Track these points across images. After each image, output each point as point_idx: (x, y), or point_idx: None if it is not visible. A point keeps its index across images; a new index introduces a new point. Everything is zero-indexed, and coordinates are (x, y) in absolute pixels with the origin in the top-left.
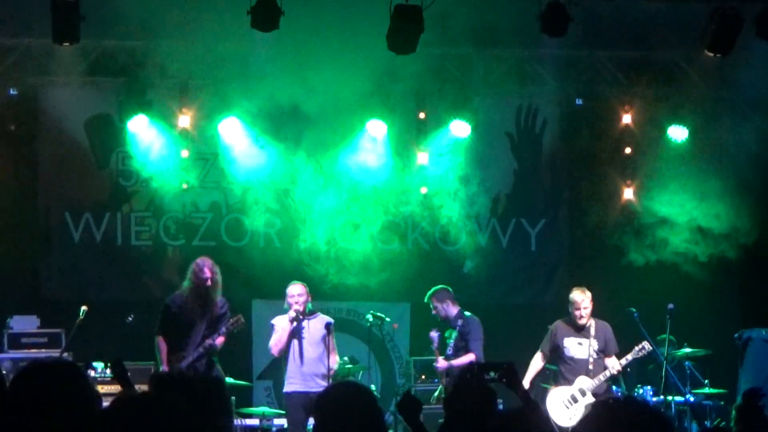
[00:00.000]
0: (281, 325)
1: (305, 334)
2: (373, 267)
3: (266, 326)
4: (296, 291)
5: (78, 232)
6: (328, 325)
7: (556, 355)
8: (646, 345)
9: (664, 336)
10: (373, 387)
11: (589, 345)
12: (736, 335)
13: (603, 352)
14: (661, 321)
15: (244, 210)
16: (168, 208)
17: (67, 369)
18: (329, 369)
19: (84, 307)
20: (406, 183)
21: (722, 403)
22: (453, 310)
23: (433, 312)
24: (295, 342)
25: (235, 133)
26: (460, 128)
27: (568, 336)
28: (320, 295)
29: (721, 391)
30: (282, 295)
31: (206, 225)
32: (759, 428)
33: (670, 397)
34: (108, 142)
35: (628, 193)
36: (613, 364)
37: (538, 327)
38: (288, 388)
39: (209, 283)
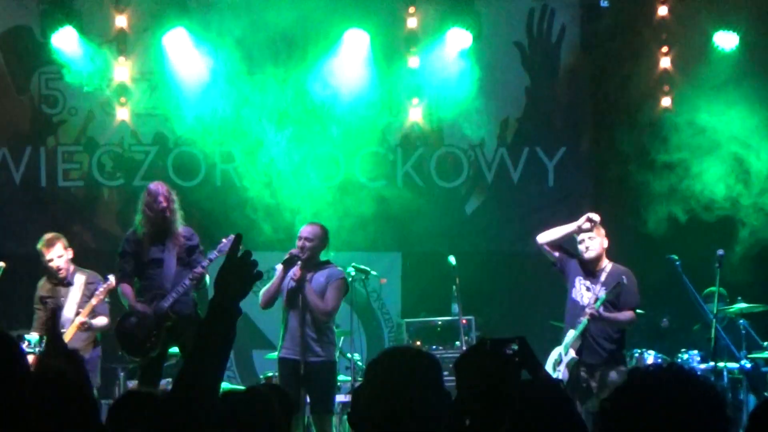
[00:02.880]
0: (279, 269)
1: (307, 287)
2: (355, 208)
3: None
4: (305, 232)
5: None
6: (330, 276)
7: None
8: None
9: (712, 289)
10: (356, 356)
11: (596, 290)
12: None
13: (613, 305)
14: (708, 270)
15: (196, 141)
16: (102, 141)
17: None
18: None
19: (1, 264)
20: (394, 107)
21: None
22: None
23: None
24: (294, 296)
25: (183, 48)
26: (458, 38)
27: (579, 275)
28: (291, 244)
29: None
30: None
31: (149, 160)
32: None
33: (721, 364)
34: (27, 61)
35: (664, 115)
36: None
37: (554, 280)
38: (282, 352)
39: (167, 213)
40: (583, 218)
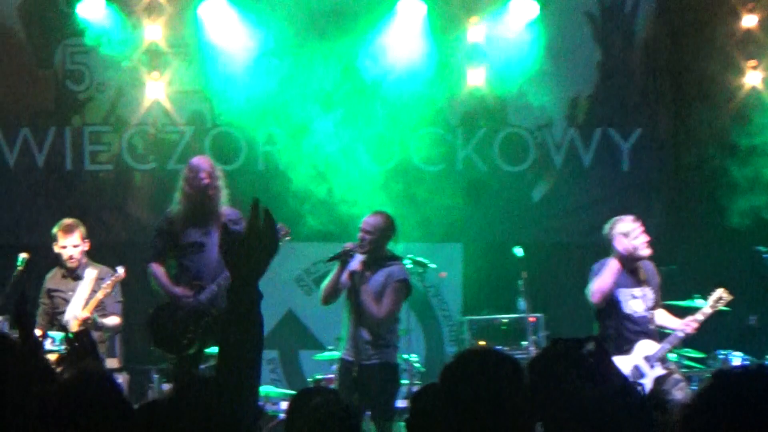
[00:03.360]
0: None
1: (367, 285)
2: (411, 195)
3: (267, 278)
4: (366, 223)
5: (13, 154)
6: (390, 276)
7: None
8: (724, 294)
9: None
10: (414, 357)
11: (644, 295)
12: None
13: (656, 304)
14: None
15: (236, 121)
16: (133, 121)
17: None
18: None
19: (23, 255)
20: (453, 83)
21: None
22: None
23: None
24: (352, 294)
25: (221, 19)
26: (524, 8)
27: (621, 285)
28: (341, 234)
29: None
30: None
31: (185, 142)
32: None
33: None
34: (50, 32)
35: (753, 93)
36: (681, 322)
37: None
38: (342, 352)
39: (210, 191)
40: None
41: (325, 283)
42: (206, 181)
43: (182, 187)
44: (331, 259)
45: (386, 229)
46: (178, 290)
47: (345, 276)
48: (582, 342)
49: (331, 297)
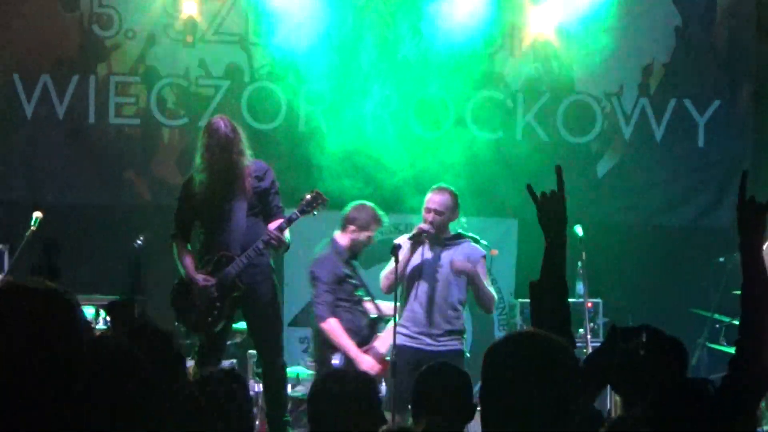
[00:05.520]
0: (406, 247)
1: (437, 267)
2: (464, 164)
3: (304, 248)
4: (434, 202)
5: (31, 103)
6: (472, 255)
7: None
8: None
9: None
10: None
11: None
12: None
13: None
14: None
15: (278, 76)
16: (165, 71)
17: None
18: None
19: (37, 213)
20: (516, 44)
21: None
22: None
23: None
24: (420, 278)
25: None
26: None
27: None
28: (384, 205)
29: None
30: (334, 203)
31: (220, 97)
32: None
33: None
34: None
35: None
36: None
37: (704, 260)
38: (398, 338)
39: (233, 156)
40: None
41: (388, 269)
42: (224, 129)
43: (202, 153)
44: (412, 240)
45: (455, 207)
46: (200, 278)
47: (417, 260)
48: (635, 331)
49: (395, 285)
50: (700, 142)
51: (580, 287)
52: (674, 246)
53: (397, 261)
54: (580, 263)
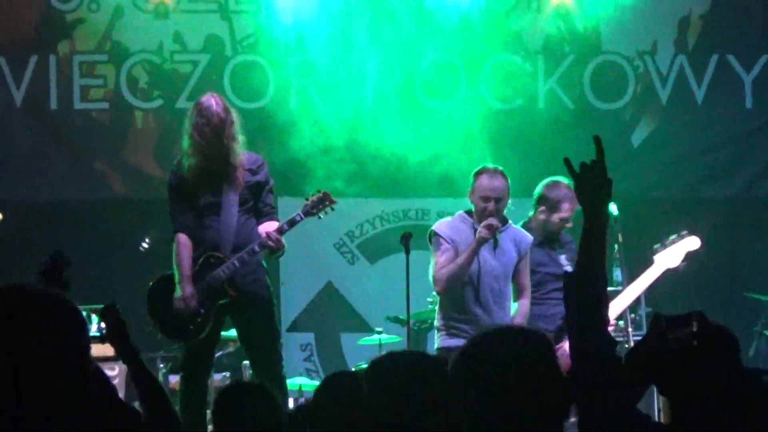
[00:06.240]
0: (458, 239)
1: (495, 262)
2: (479, 138)
3: (301, 242)
4: (495, 190)
5: None
6: (521, 242)
7: None
8: None
9: None
10: None
11: None
12: None
13: None
14: None
15: (264, 48)
16: (135, 47)
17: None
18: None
19: None
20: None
21: None
22: None
23: None
24: (479, 276)
25: None
26: None
27: None
28: (390, 189)
29: None
30: (331, 189)
31: (199, 74)
32: None
33: None
34: None
35: None
36: None
37: (756, 236)
38: (447, 341)
39: (225, 140)
40: None
41: (454, 265)
42: (216, 109)
43: (191, 135)
44: (486, 239)
45: (508, 189)
46: (189, 290)
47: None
48: (686, 319)
49: (460, 283)
50: (747, 103)
51: (617, 274)
52: (722, 222)
53: (407, 252)
54: (616, 246)
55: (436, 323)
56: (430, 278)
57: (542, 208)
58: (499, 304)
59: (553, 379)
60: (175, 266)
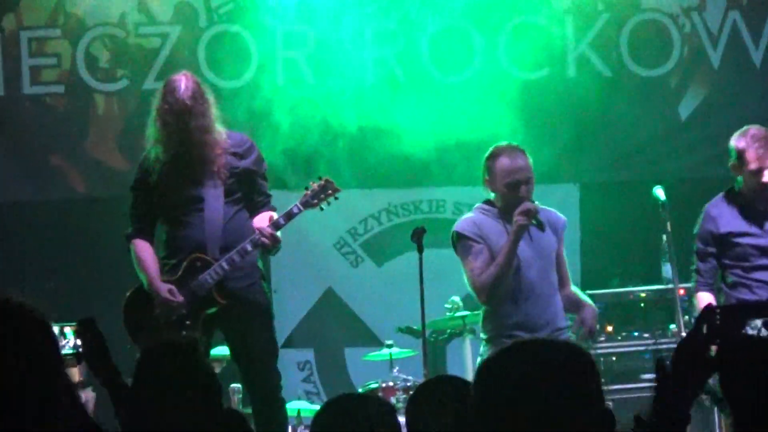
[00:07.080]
0: (488, 234)
1: (538, 252)
2: (501, 114)
3: (295, 243)
4: (525, 169)
5: None
6: (558, 224)
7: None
8: None
9: None
10: None
11: None
12: None
13: None
14: None
15: (245, 16)
16: (93, 20)
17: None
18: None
19: None
20: None
21: None
22: None
23: None
24: (524, 270)
25: None
26: None
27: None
28: (396, 178)
29: None
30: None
31: (169, 49)
32: None
33: None
34: None
35: None
36: None
37: None
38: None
39: (199, 121)
40: None
41: (495, 271)
42: (184, 90)
43: (154, 119)
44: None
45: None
46: (164, 288)
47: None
48: (744, 312)
49: (503, 283)
50: None
51: (667, 269)
52: None
53: (420, 250)
54: (665, 237)
55: (482, 335)
56: (470, 290)
57: (732, 162)
58: (548, 299)
59: (586, 405)
60: (139, 272)
